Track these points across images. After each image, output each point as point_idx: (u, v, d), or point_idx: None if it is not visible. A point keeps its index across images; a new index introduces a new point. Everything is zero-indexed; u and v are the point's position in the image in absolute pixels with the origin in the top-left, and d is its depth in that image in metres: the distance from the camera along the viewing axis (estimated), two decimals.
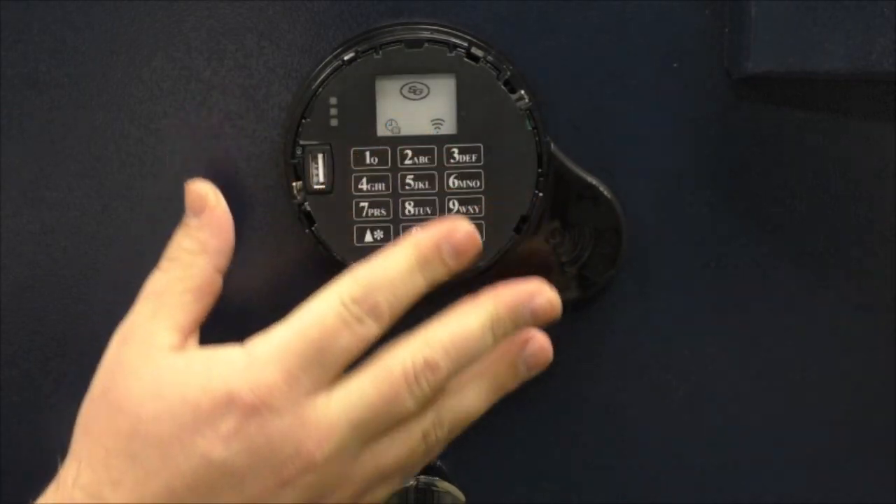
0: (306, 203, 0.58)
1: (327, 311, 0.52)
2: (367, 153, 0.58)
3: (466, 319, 0.54)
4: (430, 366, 0.52)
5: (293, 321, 0.53)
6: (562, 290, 0.61)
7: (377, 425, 0.53)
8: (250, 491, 0.51)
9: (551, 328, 0.63)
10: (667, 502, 0.65)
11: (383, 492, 0.55)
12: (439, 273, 0.54)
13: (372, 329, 0.52)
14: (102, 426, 0.53)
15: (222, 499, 0.51)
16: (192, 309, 0.55)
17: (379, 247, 0.58)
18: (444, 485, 0.62)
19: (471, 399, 0.56)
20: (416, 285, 0.54)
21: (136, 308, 0.56)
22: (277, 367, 0.51)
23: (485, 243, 0.57)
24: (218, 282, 0.57)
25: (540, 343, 0.57)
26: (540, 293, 0.55)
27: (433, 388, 0.53)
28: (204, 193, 0.57)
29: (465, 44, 0.57)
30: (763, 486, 0.65)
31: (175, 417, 0.51)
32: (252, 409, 0.51)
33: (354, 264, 0.54)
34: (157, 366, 0.53)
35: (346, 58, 0.57)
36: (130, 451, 0.52)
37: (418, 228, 0.56)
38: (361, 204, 0.58)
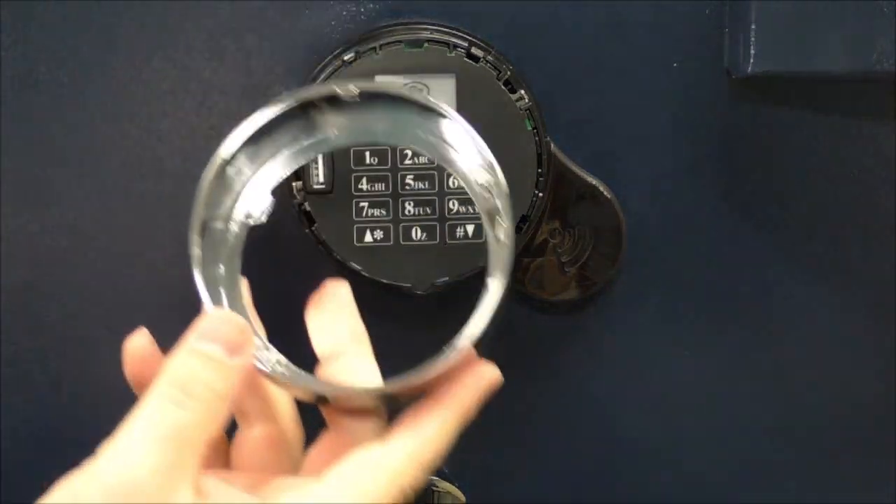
0: (306, 203, 0.58)
1: (388, 497, 0.46)
2: (367, 153, 0.57)
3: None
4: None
5: (348, 492, 0.46)
6: (562, 290, 0.61)
7: None
8: None
9: (552, 328, 0.63)
10: (666, 502, 0.65)
11: None
12: None
13: None
14: None
15: None
16: (203, 461, 0.44)
17: (379, 246, 0.58)
18: (444, 485, 0.62)
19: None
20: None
21: (137, 449, 0.42)
22: None
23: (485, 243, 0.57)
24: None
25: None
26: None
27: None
28: (247, 333, 0.46)
29: (465, 44, 0.57)
30: (762, 486, 0.65)
31: None
32: None
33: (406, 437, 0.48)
34: None
35: (346, 58, 0.57)
36: None
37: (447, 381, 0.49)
38: (361, 204, 0.58)
